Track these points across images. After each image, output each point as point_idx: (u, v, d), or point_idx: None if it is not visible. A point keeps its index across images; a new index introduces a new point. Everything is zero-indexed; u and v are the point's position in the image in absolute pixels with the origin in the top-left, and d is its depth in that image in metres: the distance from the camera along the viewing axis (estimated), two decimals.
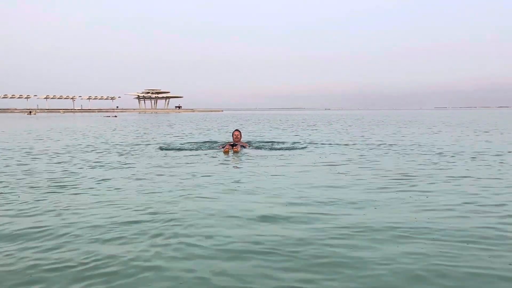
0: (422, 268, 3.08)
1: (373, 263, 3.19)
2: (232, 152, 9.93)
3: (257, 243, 3.64)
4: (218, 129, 23.39)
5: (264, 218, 4.38)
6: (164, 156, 9.80)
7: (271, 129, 23.30)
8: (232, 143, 10.48)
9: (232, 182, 6.40)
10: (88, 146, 12.76)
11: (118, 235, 3.87)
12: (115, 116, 60.02)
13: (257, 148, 11.39)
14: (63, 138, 16.22)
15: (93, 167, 8.13)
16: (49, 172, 7.48)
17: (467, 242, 3.63)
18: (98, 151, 11.25)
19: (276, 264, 3.19)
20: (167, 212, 4.63)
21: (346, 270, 3.07)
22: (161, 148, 11.57)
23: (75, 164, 8.55)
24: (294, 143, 13.10)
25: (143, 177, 6.96)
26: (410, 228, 4.01)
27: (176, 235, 3.85)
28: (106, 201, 5.22)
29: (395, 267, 3.11)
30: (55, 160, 9.24)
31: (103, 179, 6.76)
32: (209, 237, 3.81)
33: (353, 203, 5.01)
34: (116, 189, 6.04)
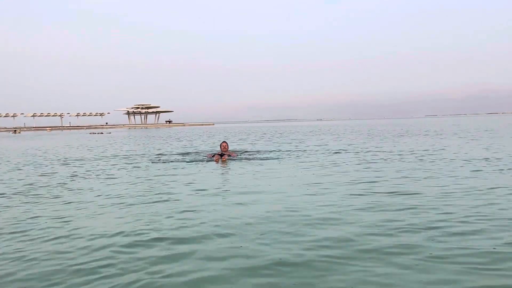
0: None
1: None
2: (221, 161, 10.62)
3: None
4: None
5: None
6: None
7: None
8: (220, 153, 11.08)
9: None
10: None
11: None
12: (101, 133, 57.42)
13: (245, 157, 11.62)
14: None
15: None
16: None
17: None
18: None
19: None
20: None
21: None
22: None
23: None
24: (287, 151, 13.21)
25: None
26: None
27: None
28: None
29: None
30: None
31: None
32: None
33: None
34: None
